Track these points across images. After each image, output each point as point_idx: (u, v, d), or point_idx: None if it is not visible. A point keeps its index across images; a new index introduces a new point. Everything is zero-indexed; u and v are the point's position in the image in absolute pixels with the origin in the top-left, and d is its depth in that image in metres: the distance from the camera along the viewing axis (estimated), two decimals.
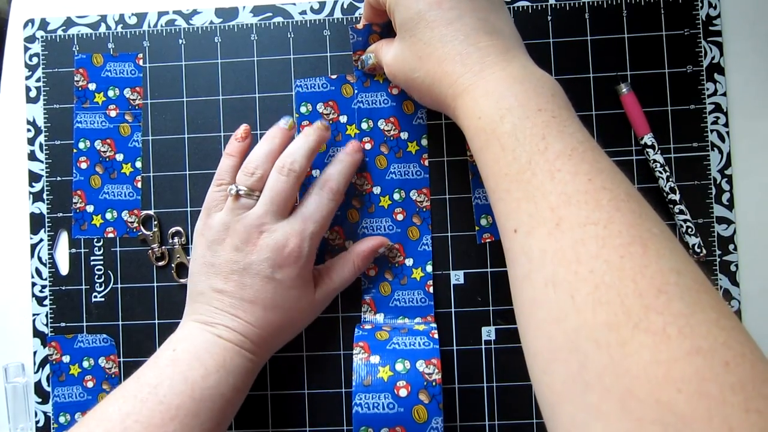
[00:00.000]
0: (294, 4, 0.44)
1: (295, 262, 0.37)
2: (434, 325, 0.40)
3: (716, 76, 0.42)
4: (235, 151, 0.40)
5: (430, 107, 0.38)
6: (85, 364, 0.43)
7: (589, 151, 0.27)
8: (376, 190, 0.43)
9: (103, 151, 0.44)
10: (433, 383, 0.35)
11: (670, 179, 0.41)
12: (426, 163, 0.43)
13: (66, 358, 0.43)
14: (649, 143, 0.41)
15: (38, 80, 0.45)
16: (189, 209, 0.43)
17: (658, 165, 0.41)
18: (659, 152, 0.41)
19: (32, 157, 0.44)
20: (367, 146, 0.43)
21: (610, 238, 0.24)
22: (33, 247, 0.44)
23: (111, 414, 0.32)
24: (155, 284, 0.43)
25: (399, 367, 0.36)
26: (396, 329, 0.39)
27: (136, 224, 0.44)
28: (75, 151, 0.44)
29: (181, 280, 0.43)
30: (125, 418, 0.32)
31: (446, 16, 0.32)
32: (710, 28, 0.42)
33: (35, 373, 0.43)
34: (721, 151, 0.42)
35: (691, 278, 0.23)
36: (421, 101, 0.37)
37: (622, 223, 0.25)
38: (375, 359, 0.36)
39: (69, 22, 0.45)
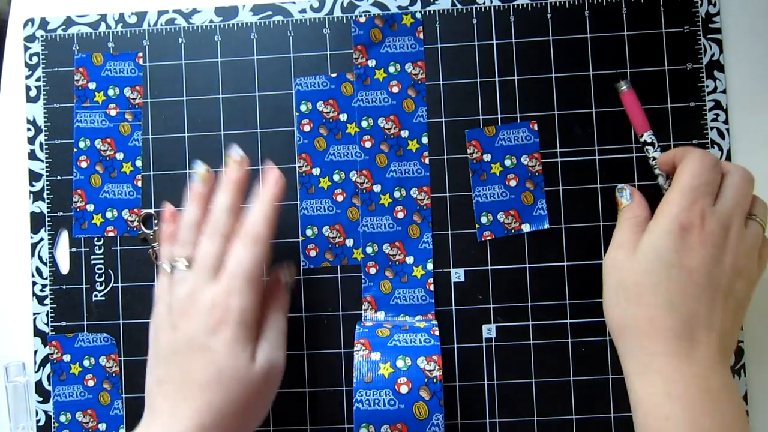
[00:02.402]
0: (294, 2, 0.44)
1: (224, 322, 0.33)
2: (435, 322, 0.40)
3: (716, 73, 0.42)
4: (169, 235, 0.38)
5: (609, 319, 0.36)
6: (86, 363, 0.43)
7: None
8: (377, 188, 0.43)
9: (104, 150, 0.44)
10: (434, 380, 0.35)
11: (670, 176, 0.41)
12: (426, 161, 0.43)
13: (67, 357, 0.43)
14: (649, 141, 0.41)
15: (38, 79, 0.45)
16: None
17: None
18: (659, 149, 0.41)
19: (32, 156, 0.44)
20: (368, 144, 0.43)
21: None
22: (33, 246, 0.44)
23: None
24: (156, 283, 0.43)
25: (400, 363, 0.36)
26: (397, 326, 0.39)
27: (136, 223, 0.44)
28: (75, 150, 0.44)
29: None
30: None
31: (693, 279, 0.32)
32: (710, 25, 0.42)
33: (36, 372, 0.43)
34: (721, 149, 0.42)
35: None
36: (608, 304, 0.36)
37: None
38: (376, 356, 0.36)
39: (69, 22, 0.45)
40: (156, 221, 0.44)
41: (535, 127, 0.42)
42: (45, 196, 0.44)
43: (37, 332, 0.43)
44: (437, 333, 0.38)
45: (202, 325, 0.33)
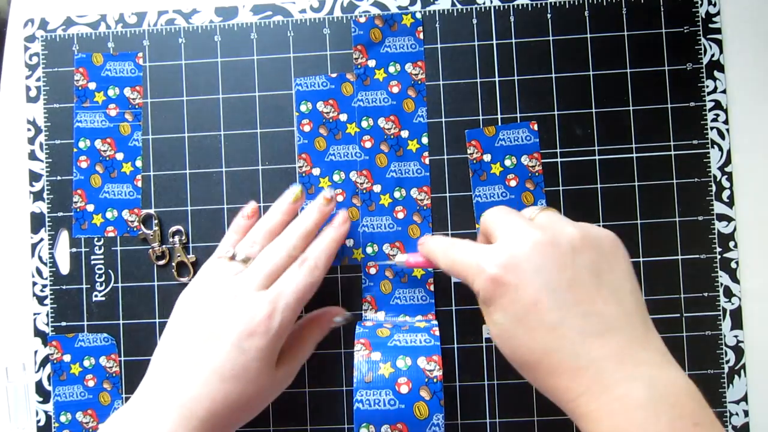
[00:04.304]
0: (294, 2, 0.44)
1: (263, 333, 0.34)
2: (435, 322, 0.40)
3: (716, 73, 0.42)
4: (240, 229, 0.40)
5: None
6: (86, 363, 0.43)
7: None
8: (377, 188, 0.43)
9: (104, 150, 0.44)
10: (435, 380, 0.35)
11: None
12: (426, 161, 0.43)
13: (67, 357, 0.43)
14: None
15: (38, 80, 0.45)
16: (189, 208, 0.43)
17: None
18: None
19: (32, 156, 0.44)
20: (368, 144, 0.43)
21: None
22: (33, 246, 0.44)
23: None
24: (156, 283, 0.43)
25: (400, 363, 0.36)
26: (397, 326, 0.39)
27: (136, 223, 0.44)
28: (75, 150, 0.44)
29: (182, 279, 0.43)
30: None
31: (546, 319, 0.28)
32: (710, 25, 0.42)
33: (36, 372, 0.43)
34: (721, 149, 0.42)
35: None
36: None
37: None
38: (376, 356, 0.36)
39: (69, 22, 0.45)
40: (156, 221, 0.44)
41: (535, 127, 0.42)
42: (45, 196, 0.44)
43: (38, 332, 0.43)
44: (437, 333, 0.38)
45: (241, 326, 0.34)
